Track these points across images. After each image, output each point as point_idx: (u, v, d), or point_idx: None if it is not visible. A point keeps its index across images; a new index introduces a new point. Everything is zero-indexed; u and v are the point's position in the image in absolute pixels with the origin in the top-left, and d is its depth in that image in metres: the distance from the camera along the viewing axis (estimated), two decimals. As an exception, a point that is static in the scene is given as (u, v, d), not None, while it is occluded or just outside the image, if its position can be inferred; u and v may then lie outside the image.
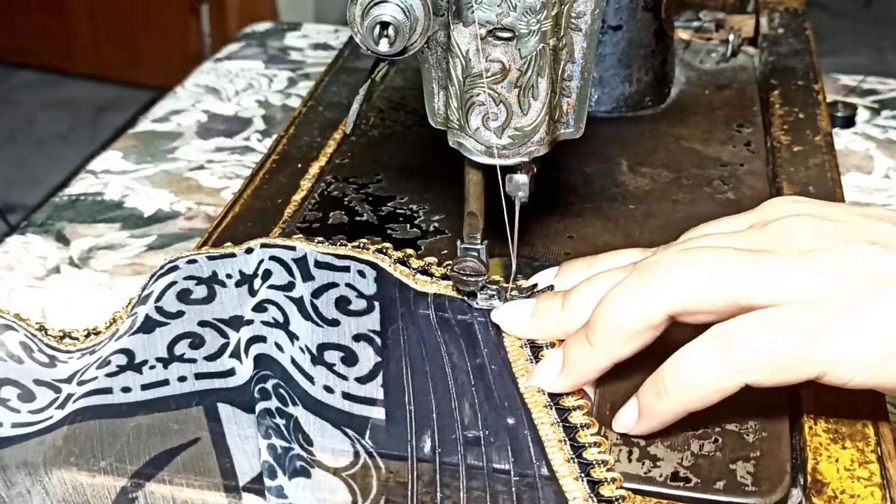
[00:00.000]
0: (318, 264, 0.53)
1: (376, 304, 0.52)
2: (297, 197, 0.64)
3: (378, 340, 0.50)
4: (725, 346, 0.43)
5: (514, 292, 0.52)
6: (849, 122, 0.84)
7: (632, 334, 0.45)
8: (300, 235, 0.57)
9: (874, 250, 0.44)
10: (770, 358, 0.42)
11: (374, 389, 0.48)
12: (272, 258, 0.53)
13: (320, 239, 0.55)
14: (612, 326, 0.45)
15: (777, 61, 0.81)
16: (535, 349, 0.49)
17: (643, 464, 0.45)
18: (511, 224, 0.50)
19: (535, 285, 0.52)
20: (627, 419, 0.46)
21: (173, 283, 0.52)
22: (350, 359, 0.49)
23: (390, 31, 0.44)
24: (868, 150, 0.81)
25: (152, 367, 0.49)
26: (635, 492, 0.44)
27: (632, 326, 0.45)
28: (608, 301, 0.45)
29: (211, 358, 0.49)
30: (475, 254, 0.51)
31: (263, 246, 0.54)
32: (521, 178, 0.50)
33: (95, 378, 0.48)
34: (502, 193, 0.50)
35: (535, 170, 0.51)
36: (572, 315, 0.48)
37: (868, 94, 0.90)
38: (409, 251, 0.55)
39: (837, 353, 0.42)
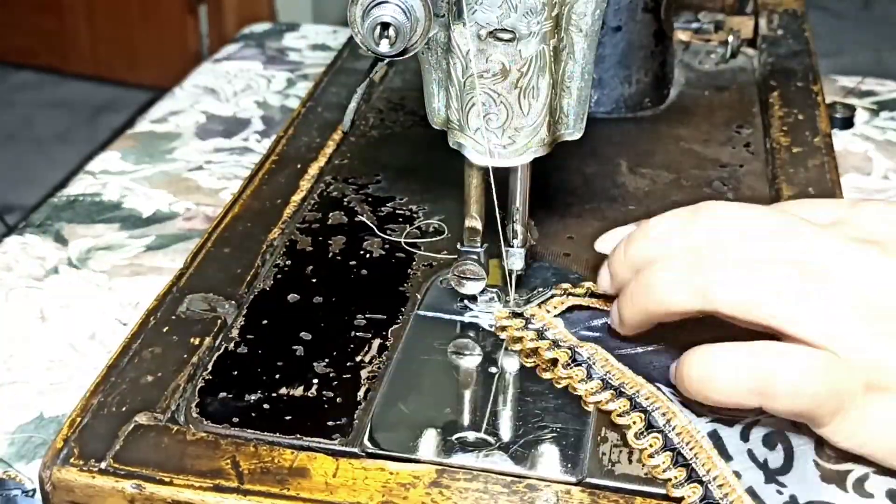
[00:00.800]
0: None
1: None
2: (297, 197, 0.64)
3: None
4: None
5: (515, 295, 0.52)
6: (847, 123, 0.84)
7: (663, 315, 0.46)
8: None
9: None
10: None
11: None
12: None
13: None
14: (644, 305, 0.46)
15: (776, 62, 0.81)
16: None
17: (643, 465, 0.45)
18: (509, 283, 0.52)
19: (536, 291, 0.52)
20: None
21: None
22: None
23: (391, 31, 0.44)
24: (867, 151, 0.81)
25: None
26: (636, 493, 0.44)
27: (665, 309, 0.45)
28: (650, 279, 0.45)
29: None
30: (475, 257, 0.51)
31: None
32: (519, 252, 0.52)
33: None
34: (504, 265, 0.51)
35: (532, 239, 0.52)
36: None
37: (867, 96, 0.90)
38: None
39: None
